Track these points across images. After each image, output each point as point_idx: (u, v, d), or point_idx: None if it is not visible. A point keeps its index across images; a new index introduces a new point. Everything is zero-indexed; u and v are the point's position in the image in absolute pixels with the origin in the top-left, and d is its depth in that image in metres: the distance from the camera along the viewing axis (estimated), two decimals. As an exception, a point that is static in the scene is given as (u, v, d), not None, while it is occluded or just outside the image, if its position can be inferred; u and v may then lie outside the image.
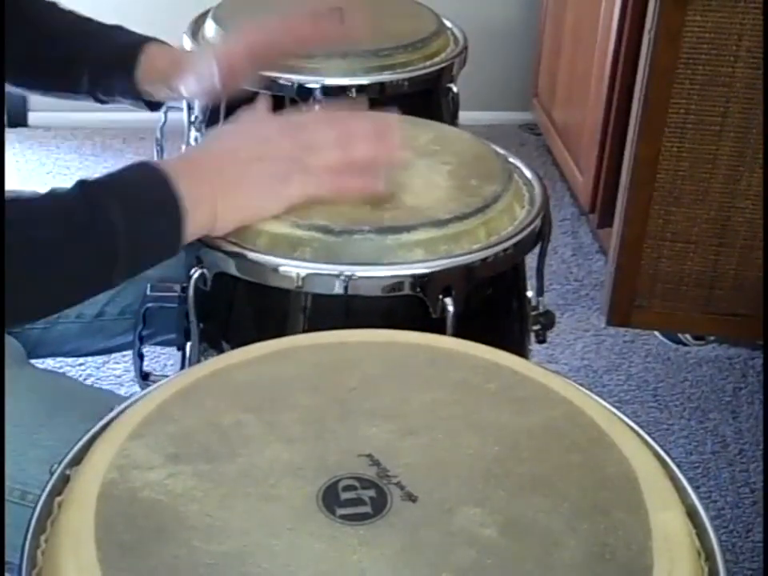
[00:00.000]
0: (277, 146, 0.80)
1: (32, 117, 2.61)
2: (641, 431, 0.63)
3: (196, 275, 0.85)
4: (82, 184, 0.73)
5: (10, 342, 0.97)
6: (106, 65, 1.02)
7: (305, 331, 0.84)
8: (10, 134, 2.53)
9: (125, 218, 0.71)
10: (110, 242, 0.71)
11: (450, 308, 0.81)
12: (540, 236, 0.90)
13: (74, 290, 0.74)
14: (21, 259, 0.68)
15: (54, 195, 0.75)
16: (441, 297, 0.82)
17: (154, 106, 1.07)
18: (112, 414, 0.64)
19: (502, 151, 0.99)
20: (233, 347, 0.86)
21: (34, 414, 0.85)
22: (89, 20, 1.07)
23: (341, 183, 0.81)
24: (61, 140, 2.56)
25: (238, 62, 1.03)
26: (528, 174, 0.96)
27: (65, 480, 0.59)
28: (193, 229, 0.75)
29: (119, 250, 0.72)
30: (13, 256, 0.67)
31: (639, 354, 1.90)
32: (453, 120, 1.30)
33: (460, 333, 0.76)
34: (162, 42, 1.05)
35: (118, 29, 1.07)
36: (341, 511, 0.54)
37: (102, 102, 1.06)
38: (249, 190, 0.79)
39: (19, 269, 0.68)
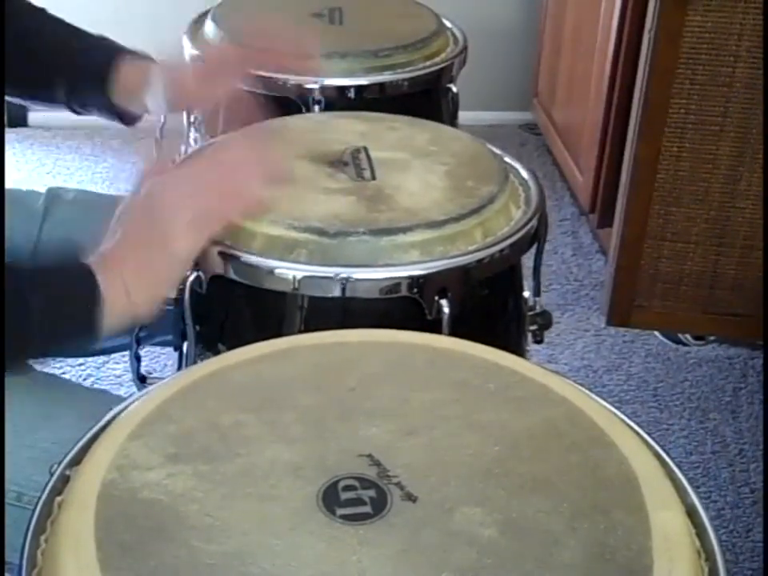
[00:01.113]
0: (138, 231, 0.83)
1: (32, 117, 2.60)
2: (641, 431, 0.63)
3: (191, 278, 0.84)
4: (11, 269, 0.76)
5: None
6: (82, 81, 1.02)
7: (300, 333, 0.84)
8: (9, 134, 2.53)
9: (44, 312, 0.76)
10: (26, 328, 0.76)
11: (446, 309, 0.81)
12: (536, 236, 0.90)
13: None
14: None
15: None
16: (437, 298, 0.81)
17: (129, 120, 1.07)
18: (111, 415, 0.64)
19: (498, 151, 0.99)
20: (229, 350, 0.86)
21: (31, 416, 0.85)
22: (73, 31, 1.06)
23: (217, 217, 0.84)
24: (61, 140, 2.56)
25: (187, 81, 1.05)
26: (524, 174, 0.96)
27: (65, 480, 0.59)
28: (112, 313, 0.79)
29: (34, 342, 0.78)
30: None
31: (639, 354, 1.90)
32: (452, 120, 1.30)
33: (456, 334, 0.76)
34: (139, 56, 1.04)
35: (100, 40, 1.06)
36: (341, 511, 0.54)
37: (79, 114, 1.06)
38: (147, 270, 0.81)
39: None
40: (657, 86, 1.60)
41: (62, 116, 1.17)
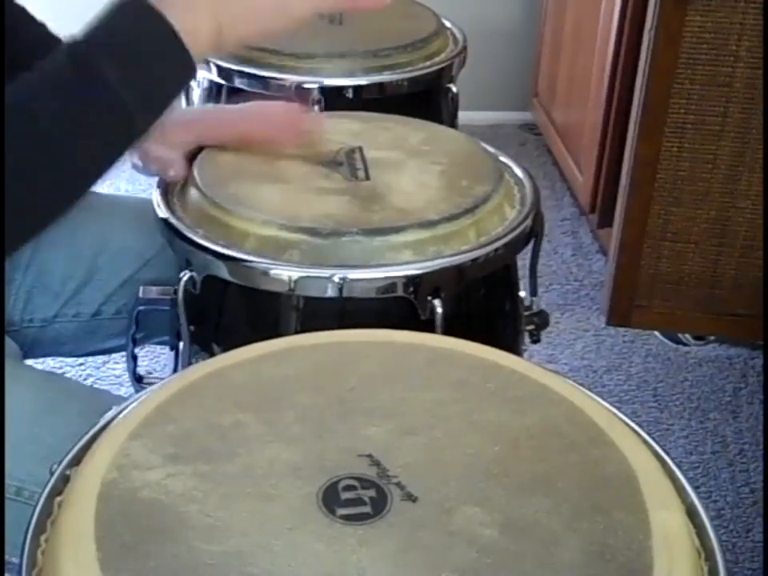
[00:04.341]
0: None
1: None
2: (640, 431, 0.63)
3: (185, 278, 0.84)
4: (69, 47, 0.70)
5: (6, 341, 0.98)
6: None
7: (296, 333, 0.84)
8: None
9: (120, 71, 0.69)
10: (114, 100, 0.69)
11: (439, 309, 0.81)
12: (531, 235, 0.90)
13: (96, 161, 0.72)
14: (28, 144, 0.66)
15: (42, 71, 0.70)
16: (429, 298, 0.81)
17: None
18: (111, 414, 0.64)
19: (493, 151, 0.98)
20: (224, 351, 0.87)
21: (32, 411, 0.85)
22: (52, 41, 0.99)
23: None
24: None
25: (164, 155, 0.97)
26: (519, 173, 0.96)
27: (65, 480, 0.59)
28: (198, 49, 0.73)
29: (128, 106, 0.69)
30: (20, 147, 0.65)
31: (639, 354, 1.90)
32: (452, 120, 1.30)
33: (451, 333, 0.76)
34: None
35: None
36: (341, 511, 0.54)
37: None
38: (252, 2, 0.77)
39: (28, 157, 0.66)
40: (657, 85, 1.60)
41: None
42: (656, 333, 1.93)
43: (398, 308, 0.82)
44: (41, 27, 1.01)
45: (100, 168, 0.72)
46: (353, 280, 0.80)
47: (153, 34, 0.71)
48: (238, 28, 0.77)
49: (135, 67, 0.70)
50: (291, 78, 1.17)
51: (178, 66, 0.73)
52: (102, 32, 0.71)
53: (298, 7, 0.79)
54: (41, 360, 1.15)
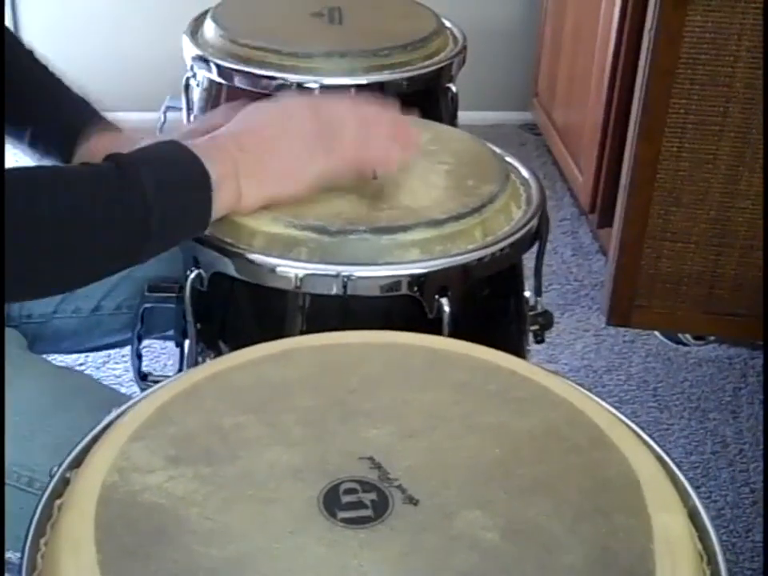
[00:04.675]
0: (300, 124, 0.81)
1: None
2: (641, 433, 0.63)
3: (192, 275, 0.84)
4: (114, 156, 0.72)
5: (11, 332, 0.98)
6: (48, 135, 0.99)
7: (302, 331, 0.84)
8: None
9: (157, 191, 0.71)
10: (142, 213, 0.71)
11: (446, 308, 0.81)
12: (537, 236, 0.90)
13: (100, 261, 0.73)
14: (48, 223, 0.68)
15: (85, 164, 0.74)
16: (437, 297, 0.82)
17: None
18: (112, 416, 0.64)
19: (499, 151, 0.99)
20: (230, 348, 0.87)
21: (45, 403, 0.85)
22: (55, 83, 1.01)
23: (361, 160, 0.83)
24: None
25: None
26: (525, 173, 0.96)
27: (65, 483, 0.59)
28: (220, 205, 0.76)
29: (151, 223, 0.71)
30: (40, 220, 0.67)
31: (639, 354, 1.90)
32: (452, 120, 1.30)
33: (457, 333, 0.76)
34: (112, 127, 0.99)
35: (77, 102, 1.01)
36: (342, 514, 0.54)
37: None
38: (272, 167, 0.79)
39: (47, 234, 0.68)
40: (657, 85, 1.60)
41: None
42: (656, 333, 1.93)
43: (405, 307, 0.82)
44: (29, 53, 1.01)
45: (103, 266, 0.75)
46: (357, 278, 0.80)
47: (188, 165, 0.74)
48: (254, 195, 0.79)
49: (169, 197, 0.73)
50: (291, 78, 1.17)
51: (201, 204, 0.75)
52: (148, 155, 0.75)
53: (315, 169, 0.81)
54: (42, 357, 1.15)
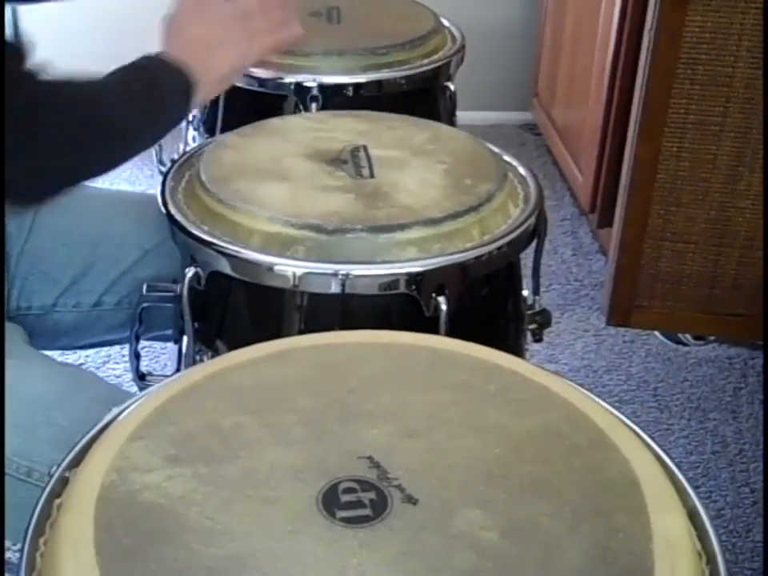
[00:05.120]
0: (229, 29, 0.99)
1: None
2: (641, 433, 0.63)
3: (190, 274, 0.85)
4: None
5: (11, 325, 0.98)
6: None
7: (300, 330, 0.84)
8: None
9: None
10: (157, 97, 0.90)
11: (443, 306, 0.81)
12: (535, 234, 0.90)
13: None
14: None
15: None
16: (434, 295, 0.82)
17: None
18: (111, 416, 0.64)
19: (497, 150, 0.99)
20: (228, 347, 0.87)
21: (47, 393, 0.86)
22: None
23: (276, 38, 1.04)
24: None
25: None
26: (523, 172, 0.96)
27: (64, 482, 0.59)
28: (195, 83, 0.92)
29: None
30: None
31: (639, 354, 1.90)
32: (450, 118, 1.30)
33: (454, 331, 0.76)
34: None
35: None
36: (341, 514, 0.54)
37: None
38: (224, 55, 0.98)
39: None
40: (657, 85, 1.59)
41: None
42: (656, 333, 1.93)
43: (402, 305, 0.83)
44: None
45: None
46: (356, 276, 0.80)
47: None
48: (212, 75, 0.96)
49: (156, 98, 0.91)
50: (289, 77, 1.17)
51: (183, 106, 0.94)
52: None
53: (256, 49, 1.02)
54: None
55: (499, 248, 0.85)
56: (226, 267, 0.83)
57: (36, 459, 0.80)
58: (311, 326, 0.84)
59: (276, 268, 0.81)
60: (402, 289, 0.81)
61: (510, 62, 2.67)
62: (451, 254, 0.83)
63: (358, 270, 0.81)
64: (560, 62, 2.41)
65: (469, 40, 1.31)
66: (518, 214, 0.89)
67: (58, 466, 0.60)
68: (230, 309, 0.91)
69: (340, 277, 0.80)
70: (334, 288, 0.80)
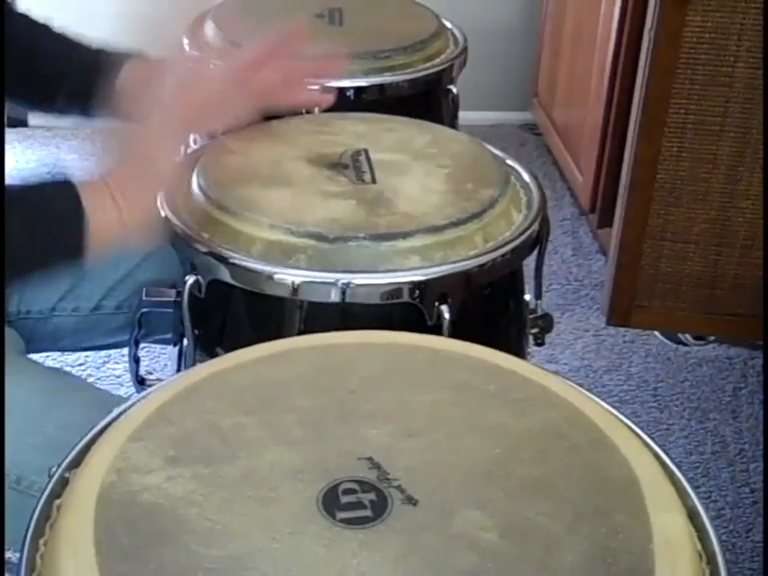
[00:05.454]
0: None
1: (32, 117, 2.60)
2: (641, 433, 0.63)
3: (190, 282, 0.84)
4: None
5: (9, 333, 0.98)
6: (83, 93, 0.99)
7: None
8: (10, 134, 2.52)
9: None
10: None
11: (447, 315, 0.80)
12: (538, 240, 0.89)
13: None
14: None
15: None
16: (437, 304, 0.81)
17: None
18: (111, 417, 0.64)
19: (500, 153, 0.98)
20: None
21: (36, 403, 0.86)
22: (75, 46, 1.03)
23: None
24: (61, 140, 2.55)
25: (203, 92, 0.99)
26: (526, 176, 0.95)
27: (63, 483, 0.59)
28: (104, 228, 0.80)
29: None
30: None
31: (639, 354, 1.90)
32: (452, 121, 1.29)
33: (457, 337, 0.76)
34: (136, 58, 1.01)
35: (102, 54, 1.02)
36: (341, 515, 0.54)
37: (90, 116, 1.03)
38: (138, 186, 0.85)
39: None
40: (657, 85, 1.59)
41: (62, 116, 1.16)
42: (656, 333, 1.93)
43: (403, 314, 0.82)
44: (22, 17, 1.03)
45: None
46: (357, 285, 0.80)
47: (68, 213, 0.80)
48: (136, 207, 0.83)
49: (38, 235, 0.79)
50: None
51: (71, 250, 0.80)
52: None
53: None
54: (42, 356, 1.15)
55: (503, 255, 0.83)
56: (226, 276, 0.82)
57: (24, 466, 0.80)
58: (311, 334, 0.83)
59: (276, 276, 0.80)
60: (405, 298, 0.80)
61: (510, 61, 2.67)
62: (454, 262, 0.82)
63: (359, 278, 0.80)
64: (560, 62, 2.41)
65: (469, 40, 1.31)
66: (521, 220, 0.88)
67: (58, 466, 0.60)
68: (231, 317, 0.90)
69: (340, 285, 0.79)
70: (334, 297, 0.80)
